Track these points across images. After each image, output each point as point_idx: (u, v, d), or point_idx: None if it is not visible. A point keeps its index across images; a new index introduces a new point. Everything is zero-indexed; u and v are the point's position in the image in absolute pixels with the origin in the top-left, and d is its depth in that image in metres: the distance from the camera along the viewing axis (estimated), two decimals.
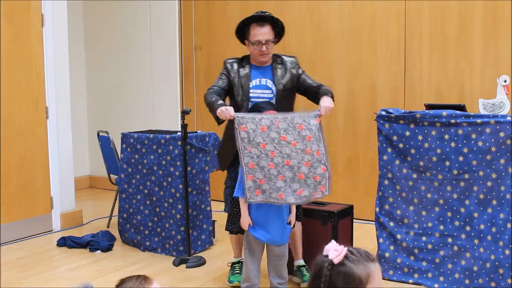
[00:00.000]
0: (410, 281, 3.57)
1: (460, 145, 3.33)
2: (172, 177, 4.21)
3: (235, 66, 3.48)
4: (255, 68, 3.46)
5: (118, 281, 1.75)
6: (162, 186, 4.27)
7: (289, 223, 3.24)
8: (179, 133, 4.19)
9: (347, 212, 3.73)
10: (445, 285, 3.45)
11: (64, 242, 4.51)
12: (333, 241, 1.60)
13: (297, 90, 3.50)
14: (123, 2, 6.46)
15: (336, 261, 1.53)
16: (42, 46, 4.90)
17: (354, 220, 3.82)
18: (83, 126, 6.86)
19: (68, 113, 5.14)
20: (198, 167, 4.22)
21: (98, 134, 5.26)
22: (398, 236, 3.59)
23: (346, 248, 1.56)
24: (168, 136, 4.23)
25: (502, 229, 3.24)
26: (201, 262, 4.05)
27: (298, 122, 3.05)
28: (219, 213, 4.92)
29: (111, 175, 5.19)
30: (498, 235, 3.25)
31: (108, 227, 5.01)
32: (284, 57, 3.50)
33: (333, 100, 3.27)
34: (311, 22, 5.35)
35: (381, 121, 3.58)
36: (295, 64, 3.49)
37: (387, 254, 3.64)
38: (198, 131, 4.48)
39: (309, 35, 5.38)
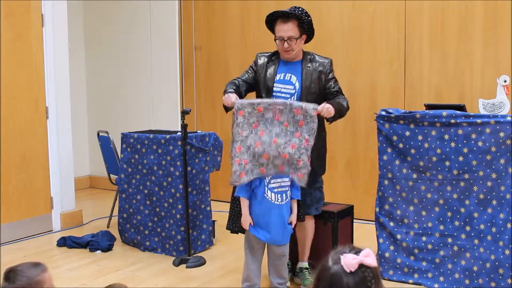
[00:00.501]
0: (410, 281, 3.57)
1: (460, 145, 3.33)
2: (172, 177, 4.21)
3: (265, 60, 3.44)
4: (283, 63, 3.41)
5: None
6: (162, 186, 4.27)
7: (290, 224, 3.24)
8: (179, 133, 4.19)
9: (347, 212, 3.73)
10: (445, 285, 3.45)
11: (64, 242, 4.51)
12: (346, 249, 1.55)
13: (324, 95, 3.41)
14: (123, 2, 6.46)
15: (375, 264, 1.50)
16: (42, 46, 4.90)
17: (354, 220, 3.82)
18: (83, 126, 6.85)
19: (68, 113, 5.14)
20: (198, 167, 4.22)
21: (98, 134, 5.26)
22: (398, 236, 3.59)
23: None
24: (168, 136, 4.23)
25: (502, 229, 3.24)
26: (201, 262, 4.05)
27: (296, 106, 3.09)
28: (219, 213, 4.92)
29: (111, 175, 5.19)
30: (498, 235, 3.25)
31: (108, 227, 5.01)
32: (317, 56, 3.42)
33: (340, 115, 3.27)
34: None
35: (381, 121, 3.58)
36: (327, 66, 3.40)
37: (387, 254, 3.64)
38: (198, 131, 4.48)
39: None
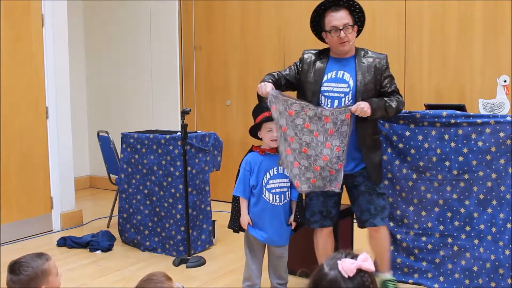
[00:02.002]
0: (410, 281, 3.57)
1: (460, 145, 3.33)
2: (172, 177, 4.21)
3: (312, 57, 3.19)
4: (333, 60, 3.15)
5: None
6: (162, 186, 4.27)
7: (290, 224, 3.23)
8: (179, 133, 4.19)
9: (347, 212, 3.72)
10: (445, 285, 3.45)
11: (64, 242, 4.52)
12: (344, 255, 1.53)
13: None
14: (123, 2, 6.46)
15: (373, 268, 1.48)
16: (42, 46, 4.90)
17: (354, 220, 3.81)
18: (83, 126, 6.85)
19: (68, 113, 5.14)
20: (198, 167, 4.22)
21: (98, 134, 5.26)
22: (398, 236, 3.58)
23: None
24: (168, 136, 4.23)
25: (502, 229, 3.24)
26: (201, 262, 4.05)
27: (326, 114, 2.96)
28: (219, 213, 4.93)
29: (111, 175, 5.19)
30: (498, 235, 3.25)
31: (108, 227, 5.01)
32: (370, 52, 3.16)
33: (382, 115, 3.08)
34: None
35: (381, 121, 3.57)
36: (383, 62, 3.13)
37: None
38: (198, 131, 4.48)
39: (309, 35, 5.35)
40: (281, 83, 3.19)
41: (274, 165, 3.16)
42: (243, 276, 3.32)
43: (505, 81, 3.43)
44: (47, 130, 4.96)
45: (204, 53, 6.07)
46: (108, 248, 4.39)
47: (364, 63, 3.10)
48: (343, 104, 3.05)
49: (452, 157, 3.35)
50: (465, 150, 3.31)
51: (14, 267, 2.08)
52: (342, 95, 3.07)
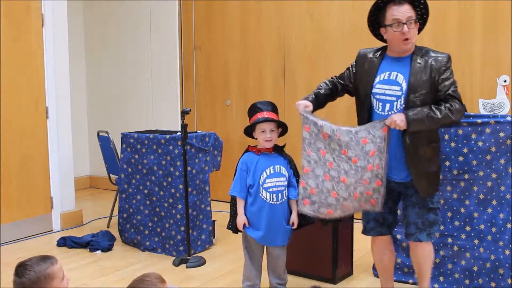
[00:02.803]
0: (410, 281, 3.57)
1: (460, 145, 3.32)
2: (172, 177, 4.21)
3: (366, 56, 2.98)
4: (388, 59, 2.90)
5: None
6: (162, 186, 4.27)
7: (291, 224, 3.22)
8: (179, 133, 4.19)
9: None
10: (445, 285, 3.45)
11: (64, 242, 4.52)
12: None
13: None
14: (123, 2, 6.46)
15: None
16: (42, 46, 4.90)
17: (354, 220, 3.81)
18: (83, 126, 6.86)
19: (68, 113, 5.14)
20: (198, 167, 4.22)
21: (98, 134, 5.26)
22: (398, 236, 3.58)
23: None
24: (168, 136, 4.23)
25: (502, 229, 3.24)
26: (201, 262, 4.05)
27: (363, 136, 2.74)
28: (219, 213, 4.93)
29: (111, 175, 5.19)
30: (498, 235, 3.25)
31: (108, 227, 5.01)
32: (431, 51, 2.84)
33: (428, 126, 2.75)
34: (311, 22, 5.35)
35: None
36: (443, 63, 2.78)
37: None
38: (198, 131, 4.48)
39: (309, 35, 5.38)
40: (338, 88, 3.06)
41: (271, 164, 3.16)
42: (242, 276, 3.32)
43: (505, 81, 3.43)
44: (47, 130, 4.96)
45: (204, 53, 6.07)
46: (108, 248, 4.39)
47: (420, 63, 2.79)
48: (394, 108, 2.81)
49: (452, 157, 3.35)
50: (465, 150, 3.31)
51: (19, 270, 2.09)
52: (394, 98, 2.82)
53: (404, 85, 2.80)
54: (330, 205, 2.83)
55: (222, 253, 4.29)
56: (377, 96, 2.87)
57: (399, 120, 2.71)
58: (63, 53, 5.08)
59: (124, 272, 3.90)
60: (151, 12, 6.27)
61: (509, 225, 3.22)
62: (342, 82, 3.07)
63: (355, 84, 3.01)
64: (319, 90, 3.06)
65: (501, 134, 3.20)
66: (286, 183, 3.18)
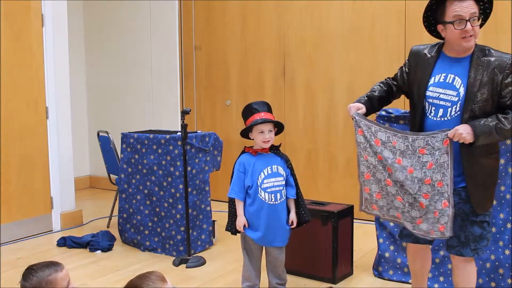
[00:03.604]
0: (410, 281, 3.57)
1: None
2: (172, 177, 4.21)
3: (420, 53, 2.73)
4: (445, 58, 2.64)
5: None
6: (162, 186, 4.27)
7: (289, 224, 3.22)
8: (179, 133, 4.19)
9: (347, 212, 3.73)
10: (445, 285, 3.45)
11: (64, 242, 4.52)
12: None
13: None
14: (123, 2, 6.47)
15: None
16: (42, 46, 4.90)
17: (354, 220, 3.82)
18: (83, 126, 6.86)
19: (68, 113, 5.14)
20: (198, 167, 4.22)
21: (98, 134, 5.26)
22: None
23: None
24: (168, 136, 4.23)
25: (502, 229, 3.23)
26: (201, 262, 4.05)
27: (420, 145, 2.54)
28: (219, 213, 4.92)
29: (111, 175, 5.19)
30: (498, 235, 3.25)
31: (108, 227, 5.01)
32: (493, 51, 2.54)
33: (493, 139, 2.49)
34: (311, 22, 5.35)
35: (381, 121, 3.57)
36: (506, 64, 2.49)
37: (387, 254, 3.64)
38: (198, 131, 4.48)
39: (309, 35, 5.38)
40: (393, 90, 2.86)
41: (268, 165, 3.16)
42: (242, 276, 3.32)
43: None
44: (47, 130, 4.96)
45: (204, 53, 6.07)
46: (108, 248, 4.39)
47: (481, 66, 2.51)
48: (448, 115, 2.57)
49: None
50: None
51: (25, 273, 2.11)
52: (449, 104, 2.58)
53: (462, 90, 2.54)
54: (398, 208, 2.67)
55: (222, 253, 4.29)
56: (430, 100, 2.63)
57: (465, 133, 2.45)
58: (63, 53, 5.09)
59: (124, 272, 3.90)
60: (151, 12, 6.27)
61: (509, 225, 3.22)
62: (395, 83, 2.87)
63: (408, 85, 2.78)
64: (373, 92, 2.86)
65: None
66: (284, 182, 3.18)
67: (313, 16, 5.34)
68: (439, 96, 2.61)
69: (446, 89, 2.59)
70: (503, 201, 3.23)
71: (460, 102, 2.55)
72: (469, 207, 2.61)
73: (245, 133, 3.18)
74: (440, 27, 2.63)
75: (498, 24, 4.46)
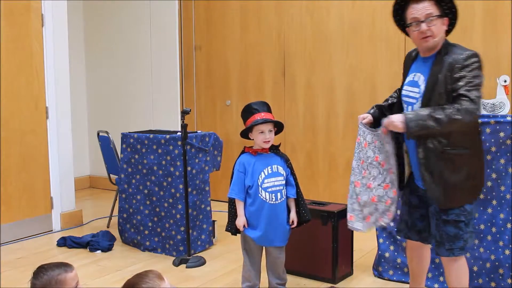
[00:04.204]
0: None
1: None
2: (172, 177, 4.21)
3: (409, 55, 2.88)
4: (419, 59, 2.78)
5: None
6: (162, 186, 4.27)
7: (290, 224, 3.22)
8: (179, 133, 4.19)
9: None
10: (445, 285, 3.45)
11: (64, 242, 4.52)
12: None
13: None
14: (123, 2, 6.46)
15: None
16: (42, 46, 4.90)
17: None
18: (83, 126, 6.86)
19: (68, 113, 5.14)
20: (198, 167, 4.22)
21: (98, 134, 5.26)
22: (398, 236, 3.58)
23: None
24: (168, 136, 4.23)
25: (502, 229, 3.23)
26: (201, 262, 4.05)
27: (376, 138, 2.78)
28: (219, 213, 4.92)
29: (111, 175, 5.19)
30: (498, 235, 3.25)
31: (108, 227, 5.01)
32: (455, 48, 2.65)
33: (426, 127, 2.53)
34: (311, 22, 5.35)
35: None
36: (460, 60, 2.57)
37: (387, 254, 3.64)
38: (198, 131, 4.48)
39: (309, 35, 5.38)
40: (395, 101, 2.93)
41: (268, 164, 3.16)
42: (242, 277, 3.32)
43: (505, 81, 3.44)
44: (47, 130, 4.96)
45: (204, 53, 6.07)
46: (108, 248, 4.39)
47: (441, 63, 2.62)
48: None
49: None
50: None
51: (36, 271, 2.15)
52: (414, 101, 2.72)
53: (423, 87, 2.67)
54: (354, 210, 2.85)
55: (222, 253, 4.29)
56: (404, 99, 2.79)
57: (397, 121, 2.59)
58: (63, 53, 5.08)
59: (124, 272, 3.89)
60: (151, 12, 6.27)
61: (509, 225, 3.22)
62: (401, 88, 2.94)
63: None
64: (387, 101, 2.96)
65: (501, 134, 3.20)
66: (284, 182, 3.18)
67: (313, 16, 5.34)
68: (408, 94, 2.76)
69: (412, 87, 2.74)
70: (503, 201, 3.23)
71: (420, 98, 2.67)
72: (435, 207, 2.69)
73: (245, 134, 3.18)
74: (408, 30, 2.76)
75: (498, 24, 4.46)
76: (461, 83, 2.54)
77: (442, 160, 2.61)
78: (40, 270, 2.15)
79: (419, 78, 2.71)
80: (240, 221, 3.16)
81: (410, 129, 2.55)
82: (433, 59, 2.68)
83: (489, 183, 3.26)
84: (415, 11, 2.63)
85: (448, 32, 2.76)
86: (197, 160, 4.21)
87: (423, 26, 2.62)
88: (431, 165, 2.63)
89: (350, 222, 2.86)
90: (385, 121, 2.67)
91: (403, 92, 2.79)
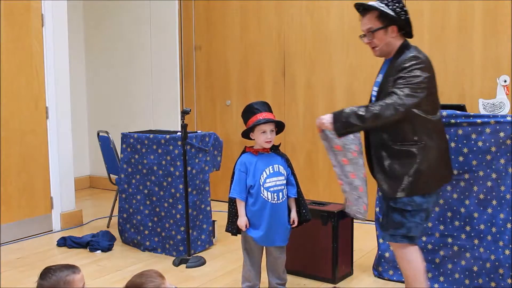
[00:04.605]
0: None
1: (460, 145, 3.32)
2: (172, 177, 4.21)
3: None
4: (384, 62, 3.00)
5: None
6: (162, 186, 4.27)
7: (291, 224, 3.23)
8: (179, 133, 4.19)
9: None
10: (445, 285, 3.45)
11: (64, 242, 4.52)
12: None
13: None
14: (123, 2, 6.46)
15: None
16: (42, 46, 4.90)
17: (354, 220, 3.81)
18: (83, 126, 6.86)
19: (68, 113, 5.14)
20: (198, 167, 4.22)
21: (98, 134, 5.26)
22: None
23: None
24: (168, 136, 4.23)
25: (502, 229, 3.23)
26: (201, 262, 4.05)
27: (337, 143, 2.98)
28: (219, 213, 4.93)
29: (111, 175, 5.19)
30: (498, 235, 3.25)
31: (108, 227, 5.01)
32: (407, 51, 2.80)
33: (350, 123, 2.70)
34: (311, 22, 5.35)
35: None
36: (400, 63, 2.76)
37: (387, 254, 3.64)
38: (198, 131, 4.48)
39: (309, 35, 5.38)
40: None
41: (269, 164, 3.16)
42: (242, 277, 3.32)
43: (505, 81, 3.43)
44: (47, 130, 4.96)
45: (204, 53, 6.07)
46: (108, 248, 4.39)
47: (391, 65, 2.82)
48: None
49: (452, 157, 3.34)
50: (465, 150, 3.31)
51: (43, 272, 2.17)
52: (374, 99, 2.94)
53: (376, 88, 2.93)
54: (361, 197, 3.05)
55: (222, 253, 4.29)
56: (372, 97, 3.01)
57: (322, 118, 2.79)
58: (63, 53, 5.09)
59: (124, 272, 3.89)
60: (151, 12, 6.27)
61: (509, 225, 3.22)
62: None
63: None
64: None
65: (501, 134, 3.20)
66: (285, 181, 3.18)
67: (313, 16, 5.34)
68: (372, 93, 2.99)
69: (375, 87, 2.97)
70: (503, 201, 3.23)
71: (375, 97, 2.92)
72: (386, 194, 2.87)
73: (246, 134, 3.18)
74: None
75: (498, 24, 4.46)
76: (396, 82, 2.73)
77: (390, 154, 2.80)
78: (48, 271, 2.15)
79: (380, 78, 2.93)
80: (242, 221, 3.16)
81: (335, 127, 2.74)
82: (388, 62, 2.90)
83: (489, 183, 3.27)
84: (361, 26, 2.96)
85: (407, 34, 2.90)
86: (197, 160, 4.21)
87: (365, 39, 2.92)
88: (379, 158, 2.85)
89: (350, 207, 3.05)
90: (317, 121, 2.84)
91: (372, 92, 3.00)
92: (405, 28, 2.87)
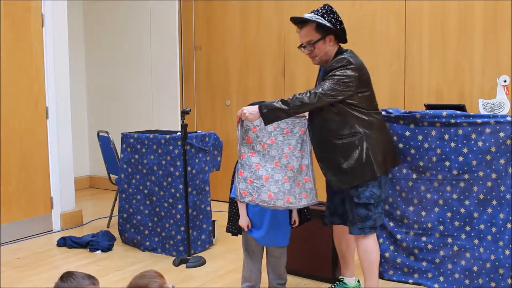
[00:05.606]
0: (410, 281, 3.57)
1: (460, 145, 3.33)
2: (172, 177, 4.21)
3: None
4: (320, 69, 3.24)
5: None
6: (162, 186, 4.27)
7: (291, 224, 3.23)
8: (179, 133, 4.19)
9: None
10: (445, 285, 3.45)
11: (64, 242, 4.52)
12: None
13: None
14: (123, 2, 6.46)
15: None
16: (42, 46, 4.90)
17: None
18: (83, 126, 6.86)
19: (68, 113, 5.14)
20: (198, 167, 4.22)
21: (98, 134, 5.26)
22: (398, 236, 3.59)
23: None
24: (168, 136, 4.23)
25: (502, 229, 3.24)
26: (201, 262, 4.05)
27: (284, 127, 3.09)
28: (219, 213, 4.93)
29: (111, 175, 5.19)
30: (498, 235, 3.25)
31: (108, 227, 5.02)
32: (340, 56, 3.01)
33: (274, 111, 2.89)
34: None
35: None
36: (330, 66, 2.99)
37: (387, 254, 3.65)
38: (198, 131, 4.48)
39: None
40: None
41: None
42: (242, 277, 3.32)
43: (505, 81, 3.44)
44: (47, 130, 4.96)
45: (204, 53, 6.07)
46: (108, 248, 4.39)
47: (326, 70, 3.03)
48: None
49: (452, 157, 3.35)
50: (465, 150, 3.31)
51: (64, 275, 2.18)
52: None
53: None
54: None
55: (222, 253, 4.29)
56: None
57: (245, 109, 2.93)
58: (63, 53, 5.09)
59: (124, 272, 3.90)
60: (151, 12, 6.27)
61: (509, 225, 3.22)
62: None
63: None
64: None
65: (501, 134, 3.20)
66: None
67: None
68: None
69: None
70: (503, 201, 3.23)
71: None
72: (348, 192, 3.01)
73: None
74: None
75: (498, 24, 4.46)
76: (326, 78, 2.96)
77: (333, 149, 2.99)
78: (70, 275, 2.17)
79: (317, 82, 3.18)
80: (244, 222, 3.16)
81: (262, 113, 2.89)
82: (323, 68, 3.14)
83: (489, 183, 3.27)
84: (300, 38, 3.12)
85: (341, 41, 3.11)
86: (197, 160, 4.21)
87: (305, 51, 3.10)
88: (322, 154, 3.06)
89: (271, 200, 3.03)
90: (238, 112, 2.97)
91: None
92: (340, 36, 3.10)
